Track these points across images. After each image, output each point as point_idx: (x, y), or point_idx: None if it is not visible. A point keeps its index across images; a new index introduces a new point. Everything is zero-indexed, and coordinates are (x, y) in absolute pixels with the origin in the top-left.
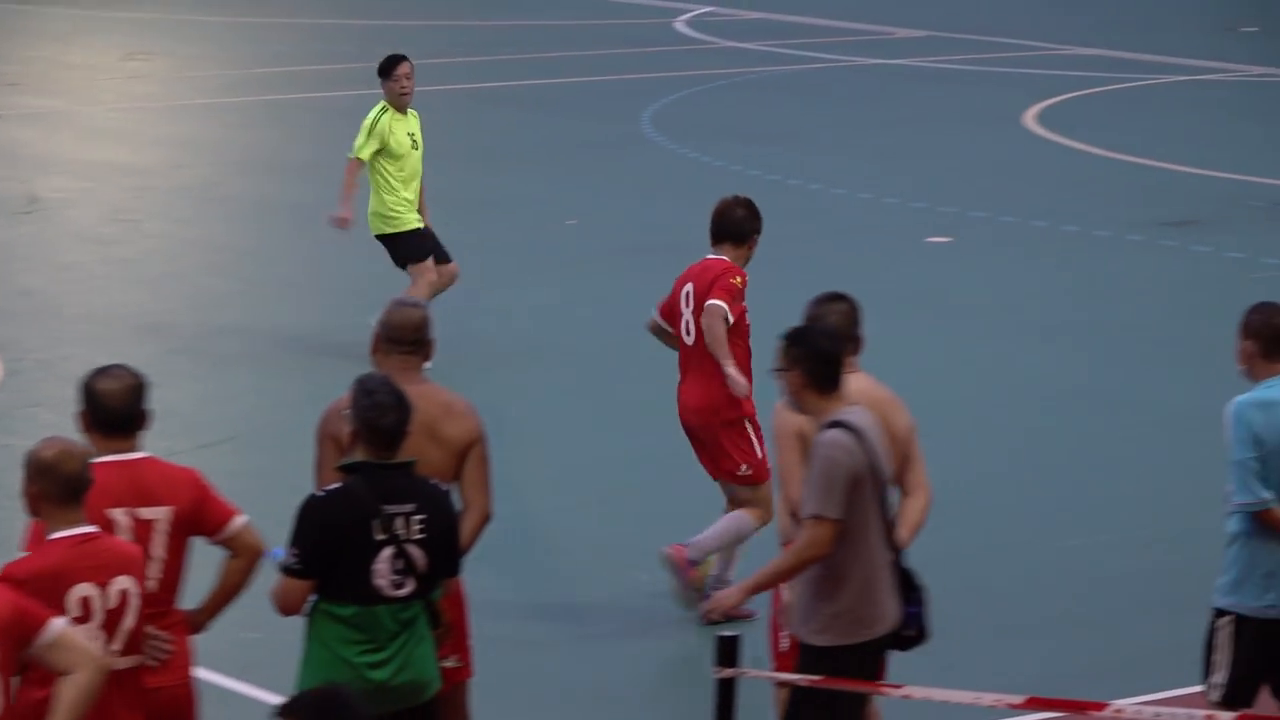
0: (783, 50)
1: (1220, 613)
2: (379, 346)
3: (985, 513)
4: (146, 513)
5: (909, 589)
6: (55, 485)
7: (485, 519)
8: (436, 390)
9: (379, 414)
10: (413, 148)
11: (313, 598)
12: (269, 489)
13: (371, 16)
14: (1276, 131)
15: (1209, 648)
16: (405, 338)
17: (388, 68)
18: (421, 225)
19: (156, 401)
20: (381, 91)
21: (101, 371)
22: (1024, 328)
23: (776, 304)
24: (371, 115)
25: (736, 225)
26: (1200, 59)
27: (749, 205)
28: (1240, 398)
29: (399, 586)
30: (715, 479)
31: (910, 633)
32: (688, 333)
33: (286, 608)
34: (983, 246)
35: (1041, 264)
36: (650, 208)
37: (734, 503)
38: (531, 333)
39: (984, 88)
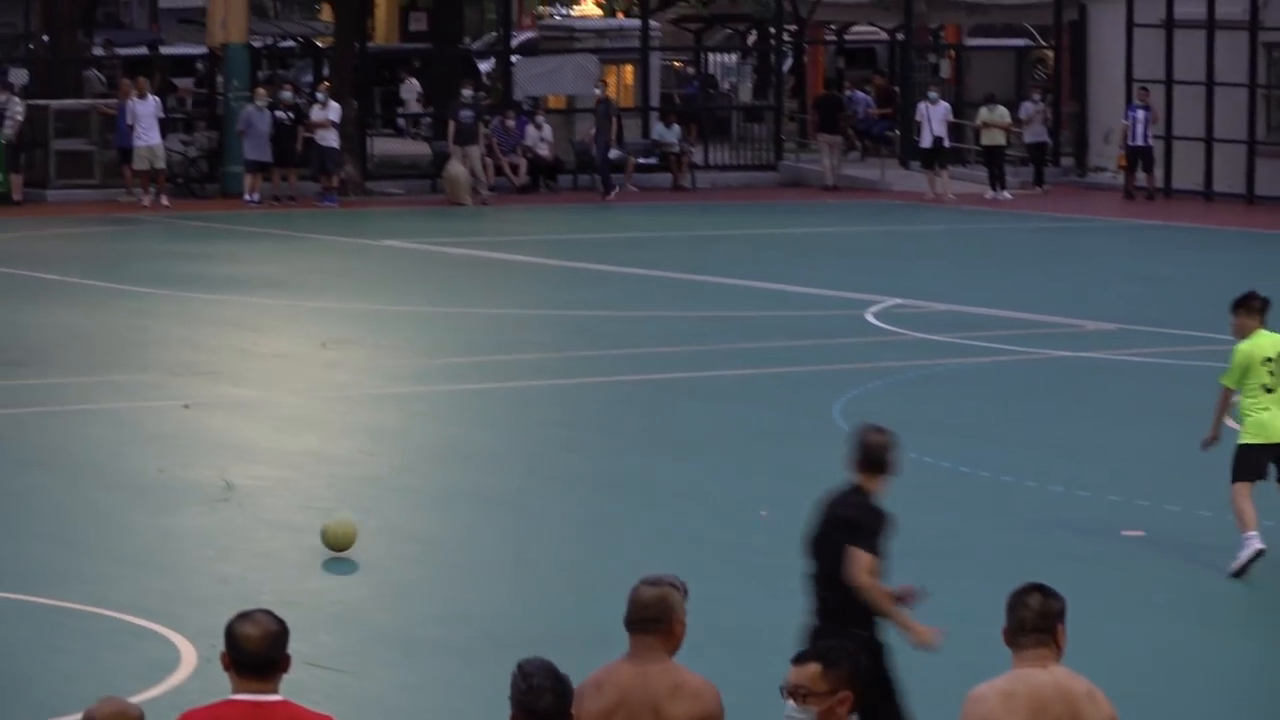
0: (972, 343)
1: None
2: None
3: None
4: None
5: None
6: None
7: None
8: (673, 670)
9: (535, 698)
10: None
11: None
12: None
13: (558, 307)
14: None
15: None
16: (634, 616)
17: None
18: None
19: (353, 691)
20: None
21: (243, 616)
22: (1213, 617)
23: (981, 596)
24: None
25: None
26: None
27: None
28: None
29: None
30: None
31: None
32: None
33: None
34: (1178, 540)
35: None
36: None
37: None
38: (707, 621)
39: (1175, 382)
